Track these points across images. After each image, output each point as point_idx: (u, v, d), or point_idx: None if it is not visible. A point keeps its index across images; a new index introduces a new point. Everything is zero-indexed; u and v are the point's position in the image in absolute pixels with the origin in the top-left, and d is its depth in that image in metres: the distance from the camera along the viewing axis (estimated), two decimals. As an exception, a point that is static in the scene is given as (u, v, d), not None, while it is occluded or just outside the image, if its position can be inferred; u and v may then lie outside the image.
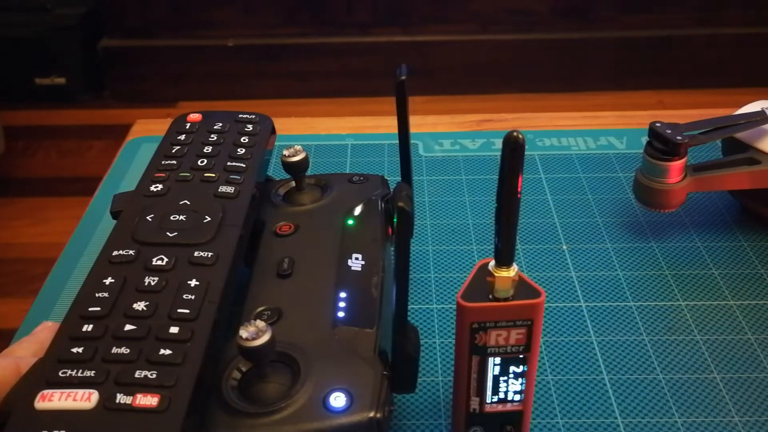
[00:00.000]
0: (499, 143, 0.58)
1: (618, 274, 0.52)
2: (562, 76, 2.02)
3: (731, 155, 0.54)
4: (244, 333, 0.32)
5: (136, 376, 0.30)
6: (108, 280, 0.35)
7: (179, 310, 0.33)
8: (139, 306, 0.33)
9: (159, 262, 0.36)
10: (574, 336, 0.47)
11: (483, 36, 1.99)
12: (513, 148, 0.31)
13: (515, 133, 0.31)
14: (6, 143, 1.80)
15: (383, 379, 0.34)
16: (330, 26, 1.99)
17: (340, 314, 0.37)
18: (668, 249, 0.54)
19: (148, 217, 0.39)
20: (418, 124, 0.69)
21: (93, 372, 0.30)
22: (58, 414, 0.29)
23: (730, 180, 0.53)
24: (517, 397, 0.37)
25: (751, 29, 1.97)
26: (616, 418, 0.42)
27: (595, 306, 0.49)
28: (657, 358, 0.46)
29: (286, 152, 0.46)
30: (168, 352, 0.31)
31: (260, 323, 0.32)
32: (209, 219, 0.39)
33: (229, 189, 0.41)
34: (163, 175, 0.42)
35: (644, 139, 0.54)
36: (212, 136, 0.46)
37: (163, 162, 0.43)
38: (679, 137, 0.51)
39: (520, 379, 0.37)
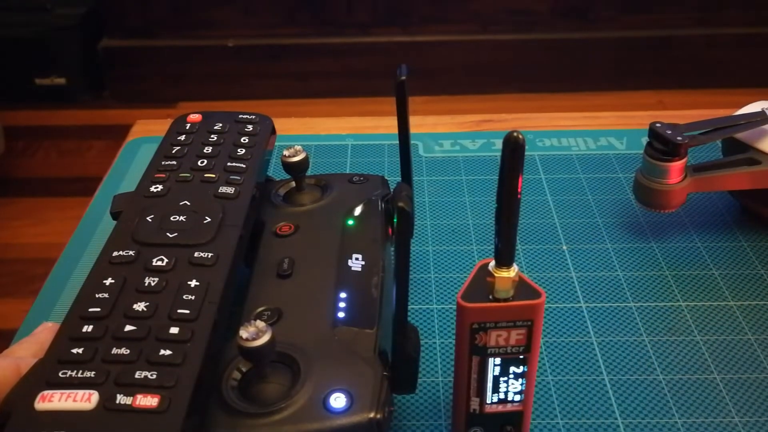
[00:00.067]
0: (499, 144, 0.58)
1: (618, 275, 0.52)
2: (562, 76, 2.02)
3: (731, 155, 0.54)
4: (244, 333, 0.32)
5: (136, 376, 0.30)
6: (108, 281, 0.35)
7: (179, 311, 0.33)
8: (139, 306, 0.33)
9: (159, 263, 0.36)
10: (574, 336, 0.47)
11: (483, 36, 1.99)
12: (513, 148, 0.31)
13: (515, 134, 0.31)
14: (6, 143, 1.80)
15: (383, 380, 0.34)
16: (330, 26, 1.99)
17: (340, 314, 0.37)
18: (668, 249, 0.54)
19: (148, 218, 0.39)
20: (418, 124, 0.69)
21: (93, 372, 0.30)
22: (58, 415, 0.29)
23: (730, 180, 0.53)
24: (518, 398, 0.37)
25: (751, 29, 1.98)
26: (616, 418, 0.42)
27: (595, 306, 0.49)
28: (657, 358, 0.46)
29: (286, 152, 0.46)
30: (168, 352, 0.31)
31: (260, 323, 0.32)
32: (209, 219, 0.39)
33: (229, 189, 0.41)
34: (163, 175, 0.42)
35: (644, 140, 0.54)
36: (212, 136, 0.46)
37: (163, 162, 0.43)
38: (679, 138, 0.51)
39: (520, 380, 0.37)
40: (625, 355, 0.46)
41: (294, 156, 0.45)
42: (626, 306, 0.49)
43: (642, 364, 0.45)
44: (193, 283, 0.35)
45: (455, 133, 0.69)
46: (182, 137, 0.46)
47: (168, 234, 0.38)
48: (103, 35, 2.02)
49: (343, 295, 0.38)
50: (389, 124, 0.69)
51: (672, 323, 0.48)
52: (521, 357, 0.36)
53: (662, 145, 0.51)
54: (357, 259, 0.41)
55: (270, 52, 2.01)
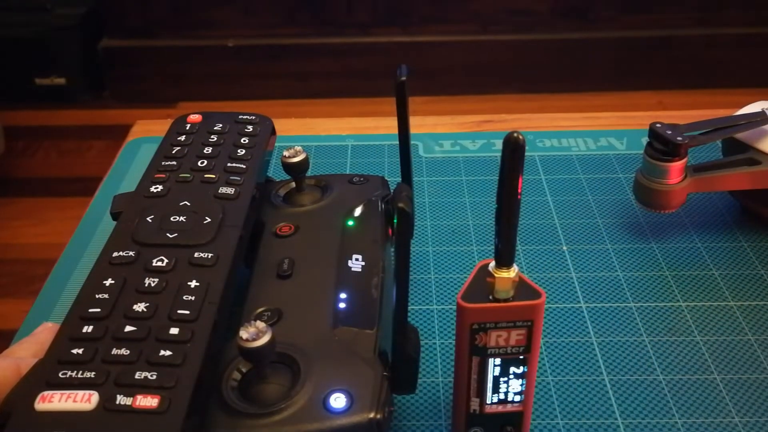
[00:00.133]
0: (499, 144, 0.58)
1: (618, 275, 0.52)
2: (562, 76, 2.02)
3: (731, 156, 0.54)
4: (244, 334, 0.32)
5: (136, 377, 0.30)
6: (108, 281, 0.35)
7: (179, 311, 0.33)
8: (139, 307, 0.33)
9: (159, 263, 0.36)
10: (575, 337, 0.47)
11: (483, 36, 1.99)
12: (513, 148, 0.31)
13: (515, 134, 0.31)
14: (6, 143, 1.80)
15: (383, 380, 0.34)
16: (330, 26, 1.99)
17: (340, 315, 0.37)
18: (668, 250, 0.54)
19: (148, 218, 0.39)
20: (418, 124, 0.69)
21: (93, 373, 0.30)
22: (58, 415, 0.29)
23: (731, 180, 0.53)
24: (518, 398, 0.37)
25: (751, 29, 1.98)
26: (616, 419, 0.42)
27: (596, 307, 0.49)
28: (657, 358, 0.46)
29: (286, 153, 0.46)
30: (168, 353, 0.31)
31: (260, 324, 0.32)
32: (209, 220, 0.39)
33: (229, 190, 0.41)
34: (163, 175, 0.42)
35: (644, 140, 0.54)
36: (212, 137, 0.46)
37: (163, 163, 0.43)
38: (679, 138, 0.51)
39: (520, 380, 0.37)
40: (625, 356, 0.46)
41: (294, 156, 0.45)
42: (626, 306, 0.49)
43: (642, 364, 0.45)
44: (193, 283, 0.35)
45: (455, 133, 0.69)
46: (182, 137, 0.46)
47: (168, 234, 0.38)
48: (103, 35, 2.02)
49: (343, 295, 0.38)
50: (389, 125, 0.69)
51: (672, 323, 0.48)
52: (521, 357, 0.36)
53: (662, 145, 0.51)
54: (357, 259, 0.41)
55: (270, 52, 2.01)
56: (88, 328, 0.32)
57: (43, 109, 2.02)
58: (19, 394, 0.30)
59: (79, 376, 0.30)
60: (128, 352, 0.31)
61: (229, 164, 0.43)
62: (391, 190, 0.47)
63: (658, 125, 0.52)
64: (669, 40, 1.99)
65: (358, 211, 0.45)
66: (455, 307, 0.35)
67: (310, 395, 0.33)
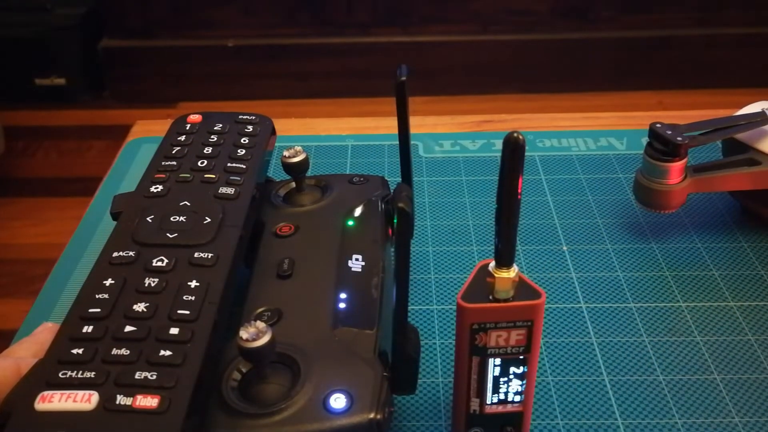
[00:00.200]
0: (499, 144, 0.58)
1: (618, 275, 0.52)
2: (562, 76, 2.02)
3: (731, 156, 0.54)
4: (244, 334, 0.32)
5: (136, 377, 0.30)
6: (108, 281, 0.35)
7: (179, 311, 0.33)
8: (139, 307, 0.33)
9: (159, 263, 0.36)
10: (575, 337, 0.47)
11: (483, 36, 1.99)
12: (513, 148, 0.31)
13: (515, 134, 0.31)
14: (6, 143, 1.80)
15: (383, 380, 0.34)
16: (330, 26, 1.99)
17: (340, 315, 0.37)
18: (668, 250, 0.54)
19: (148, 218, 0.39)
20: (418, 124, 0.69)
21: (93, 373, 0.30)
22: (58, 415, 0.29)
23: (731, 181, 0.53)
24: (518, 398, 0.37)
25: (751, 29, 1.98)
26: (616, 419, 0.42)
27: (596, 307, 0.49)
28: (657, 359, 0.46)
29: (286, 153, 0.46)
30: (168, 353, 0.31)
31: (260, 324, 0.32)
32: (209, 220, 0.39)
33: (229, 190, 0.41)
34: (164, 176, 0.42)
35: (644, 140, 0.54)
36: (212, 137, 0.46)
37: (163, 163, 0.43)
38: (679, 138, 0.51)
39: (520, 380, 0.37)
40: (625, 356, 0.46)
41: (294, 156, 0.45)
42: (626, 306, 0.49)
43: (642, 364, 0.45)
44: (193, 283, 0.35)
45: (455, 133, 0.69)
46: (182, 137, 0.46)
47: (168, 234, 0.38)
48: (103, 35, 2.02)
49: (343, 295, 0.38)
50: (389, 125, 0.69)
51: (672, 324, 0.48)
52: (521, 357, 0.36)
53: (662, 145, 0.51)
54: (357, 259, 0.41)
55: (270, 52, 2.01)
56: (88, 328, 0.32)
57: (43, 109, 2.02)
58: (19, 394, 0.30)
59: (79, 376, 0.30)
60: (128, 352, 0.31)
61: (229, 164, 0.43)
62: (391, 190, 0.47)
63: (658, 125, 0.52)
64: (669, 40, 1.99)
65: (358, 211, 0.45)
66: (455, 307, 0.35)
67: (310, 395, 0.33)
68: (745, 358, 0.46)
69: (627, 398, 0.43)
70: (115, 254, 0.36)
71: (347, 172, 0.57)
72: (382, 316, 0.38)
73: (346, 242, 0.42)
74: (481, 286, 0.35)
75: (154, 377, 0.30)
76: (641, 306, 0.49)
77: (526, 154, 0.32)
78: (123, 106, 2.03)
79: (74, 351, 0.31)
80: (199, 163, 0.43)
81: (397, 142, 0.45)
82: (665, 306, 0.49)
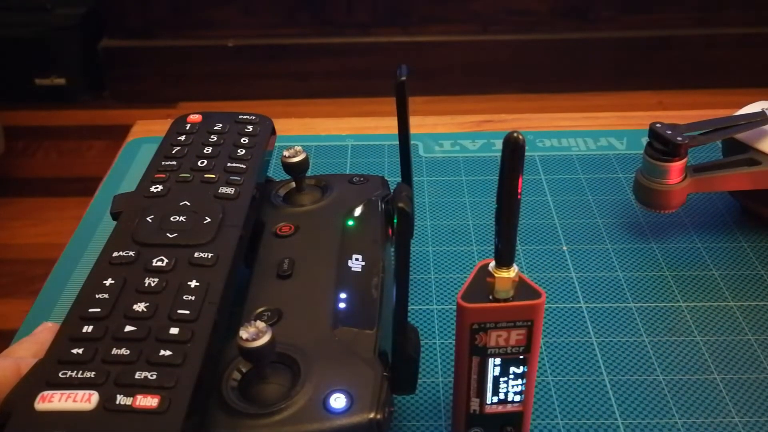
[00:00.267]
0: (499, 144, 0.58)
1: (618, 275, 0.52)
2: (562, 76, 2.02)
3: (731, 156, 0.54)
4: (244, 334, 0.32)
5: (136, 377, 0.30)
6: (108, 281, 0.35)
7: (179, 311, 0.33)
8: (139, 307, 0.33)
9: (159, 263, 0.36)
10: (575, 337, 0.47)
11: (483, 36, 1.99)
12: (513, 148, 0.31)
13: (515, 134, 0.31)
14: (6, 143, 1.80)
15: (383, 380, 0.34)
16: (330, 26, 1.99)
17: (340, 315, 0.37)
18: (668, 250, 0.54)
19: (148, 218, 0.39)
20: (418, 124, 0.69)
21: (93, 373, 0.30)
22: (58, 415, 0.29)
23: (731, 181, 0.53)
24: (518, 398, 0.37)
25: (751, 29, 1.98)
26: (616, 419, 0.42)
27: (596, 307, 0.49)
28: (657, 359, 0.46)
29: (286, 153, 0.46)
30: (168, 353, 0.31)
31: (260, 324, 0.32)
32: (209, 220, 0.39)
33: (229, 190, 0.41)
34: (164, 175, 0.42)
35: (644, 140, 0.54)
36: (212, 137, 0.46)
37: (163, 163, 0.43)
38: (679, 138, 0.51)
39: (520, 380, 0.37)
40: (625, 356, 0.46)
41: (294, 156, 0.45)
42: (626, 306, 0.49)
43: (642, 364, 0.45)
44: (193, 283, 0.35)
45: (455, 133, 0.69)
46: (182, 137, 0.46)
47: (168, 234, 0.38)
48: (103, 35, 2.02)
49: (343, 295, 0.38)
50: (389, 125, 0.69)
51: (672, 323, 0.48)
52: (521, 357, 0.36)
53: (662, 145, 0.51)
54: (357, 259, 0.41)
55: (270, 52, 2.01)
56: (88, 328, 0.32)
57: (43, 109, 2.02)
58: (19, 394, 0.30)
59: (79, 376, 0.30)
60: (128, 352, 0.31)
61: (229, 164, 0.43)
62: (391, 190, 0.47)
63: (658, 125, 0.52)
64: (669, 40, 1.99)
65: (358, 211, 0.45)
66: (455, 307, 0.35)
67: (310, 395, 0.33)
68: (745, 358, 0.46)
69: (627, 398, 0.43)
70: (115, 254, 0.36)
71: (347, 172, 0.57)
72: (382, 316, 0.38)
73: (346, 242, 0.42)
74: (481, 286, 0.35)
75: (154, 377, 0.30)
76: (641, 306, 0.49)
77: (526, 154, 0.32)
78: (123, 106, 2.03)
79: (74, 351, 0.31)
80: (199, 163, 0.43)
81: (397, 142, 0.45)
82: (665, 306, 0.49)
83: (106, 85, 2.05)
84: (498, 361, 0.36)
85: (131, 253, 0.36)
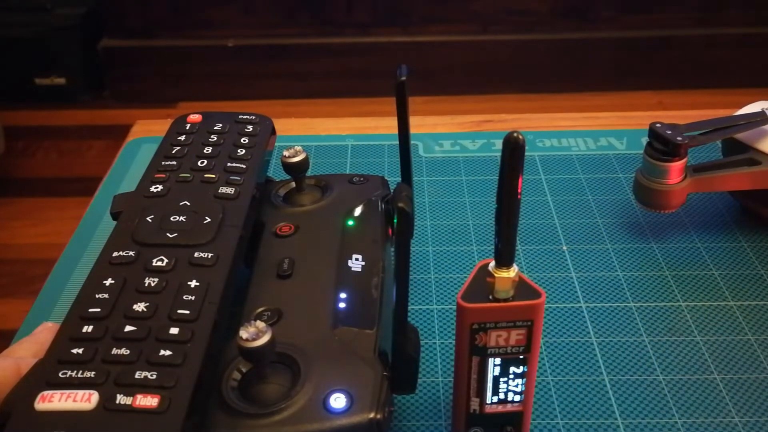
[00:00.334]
0: (499, 144, 0.58)
1: (618, 275, 0.52)
2: (562, 76, 2.02)
3: (731, 156, 0.54)
4: (244, 334, 0.32)
5: (136, 376, 0.30)
6: (108, 281, 0.35)
7: (179, 311, 0.33)
8: (139, 307, 0.33)
9: (159, 263, 0.36)
10: (574, 337, 0.47)
11: (483, 36, 1.99)
12: (513, 148, 0.31)
13: (515, 134, 0.31)
14: (6, 143, 1.80)
15: (383, 380, 0.34)
16: (330, 26, 1.99)
17: (340, 315, 0.37)
18: (668, 249, 0.54)
19: (148, 218, 0.39)
20: (418, 124, 0.69)
21: (93, 373, 0.30)
22: (58, 415, 0.29)
23: (731, 181, 0.53)
24: (517, 398, 0.37)
25: (751, 29, 1.98)
26: (616, 419, 0.42)
27: (595, 307, 0.49)
28: (657, 358, 0.46)
29: (286, 153, 0.46)
30: (168, 352, 0.31)
31: (260, 324, 0.32)
32: (209, 220, 0.39)
33: (229, 190, 0.41)
34: (164, 175, 0.42)
35: (644, 140, 0.54)
36: (212, 137, 0.46)
37: (163, 163, 0.43)
38: (679, 138, 0.51)
39: (520, 380, 0.37)
40: (625, 355, 0.46)
41: (294, 156, 0.45)
42: (626, 306, 0.49)
43: (642, 364, 0.45)
44: (193, 283, 0.35)
45: (455, 133, 0.69)
46: (182, 137, 0.46)
47: (168, 234, 0.38)
48: (103, 35, 2.02)
49: (343, 295, 0.38)
50: (389, 125, 0.69)
51: (672, 323, 0.48)
52: (521, 357, 0.36)
53: (662, 145, 0.51)
54: (357, 259, 0.41)
55: (270, 52, 2.01)
56: (88, 328, 0.32)
57: (43, 109, 2.02)
58: (19, 394, 0.30)
59: (79, 375, 0.30)
60: (128, 351, 0.31)
61: (229, 164, 0.43)
62: (391, 190, 0.47)
63: (658, 125, 0.52)
64: (669, 40, 1.99)
65: (358, 211, 0.45)
66: (455, 307, 0.35)
67: (310, 395, 0.33)
68: (745, 358, 0.46)
69: (627, 398, 0.43)
70: (115, 254, 0.36)
71: (347, 172, 0.57)
72: (382, 316, 0.38)
73: (346, 242, 0.42)
74: (481, 286, 0.35)
75: (154, 377, 0.30)
76: (641, 306, 0.49)
77: (526, 154, 0.32)
78: (123, 106, 2.03)
79: (74, 351, 0.31)
80: (199, 163, 0.43)
81: (397, 142, 0.45)
82: (665, 306, 0.49)
83: (106, 85, 2.05)
84: (498, 361, 0.36)
85: (131, 253, 0.36)
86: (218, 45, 2.00)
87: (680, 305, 0.49)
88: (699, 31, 1.98)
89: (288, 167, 0.46)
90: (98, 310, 0.33)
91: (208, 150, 0.44)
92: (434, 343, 0.47)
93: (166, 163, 0.43)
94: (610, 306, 0.49)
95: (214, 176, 0.42)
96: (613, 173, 0.63)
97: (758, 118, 0.53)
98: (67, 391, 0.29)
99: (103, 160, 1.63)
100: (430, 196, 0.60)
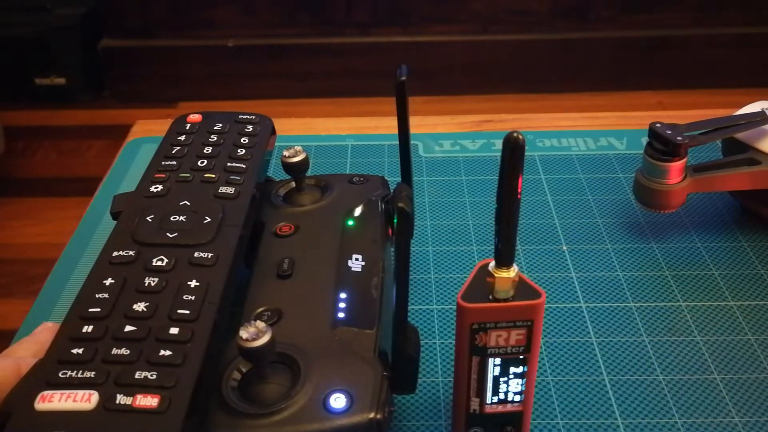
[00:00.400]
0: (499, 144, 0.58)
1: (618, 275, 0.52)
2: (562, 76, 2.02)
3: (731, 156, 0.54)
4: (244, 334, 0.32)
5: (136, 376, 0.30)
6: (108, 281, 0.35)
7: (179, 311, 0.33)
8: (139, 307, 0.33)
9: (159, 263, 0.36)
10: (574, 337, 0.47)
11: (483, 36, 1.99)
12: (513, 148, 0.31)
13: (515, 134, 0.31)
14: (6, 143, 1.80)
15: (383, 380, 0.34)
16: (330, 26, 1.99)
17: (340, 315, 0.37)
18: (668, 249, 0.54)
19: (148, 218, 0.39)
20: (418, 124, 0.69)
21: (93, 373, 0.30)
22: (58, 415, 0.29)
23: (731, 180, 0.53)
24: (517, 398, 0.37)
25: (751, 29, 1.98)
26: (616, 419, 0.42)
27: (595, 307, 0.49)
28: (657, 358, 0.46)
29: (286, 153, 0.46)
30: (168, 352, 0.31)
31: (260, 324, 0.32)
32: (209, 219, 0.39)
33: (229, 189, 0.41)
34: (164, 175, 0.42)
35: (644, 140, 0.54)
36: (212, 136, 0.46)
37: (163, 162, 0.43)
38: (679, 138, 0.51)
39: (520, 380, 0.37)
40: (625, 355, 0.46)
41: (294, 156, 0.45)
42: (626, 306, 0.49)
43: (642, 364, 0.45)
44: (193, 283, 0.35)
45: (455, 133, 0.69)
46: (182, 137, 0.46)
47: (168, 234, 0.38)
48: (103, 35, 2.02)
49: (343, 295, 0.38)
50: (389, 124, 0.69)
51: (672, 323, 0.48)
52: (521, 357, 0.36)
53: (662, 145, 0.51)
54: (357, 259, 0.41)
55: (270, 52, 2.01)
56: (88, 328, 0.32)
57: (43, 109, 2.02)
58: (19, 394, 0.30)
59: (79, 375, 0.30)
60: (128, 351, 0.31)
61: (229, 164, 0.43)
62: (391, 190, 0.47)
63: (658, 125, 0.52)
64: (669, 40, 1.99)
65: (358, 211, 0.45)
66: (455, 307, 0.35)
67: (310, 395, 0.33)
68: (745, 358, 0.46)
69: (627, 398, 0.43)
70: (115, 254, 0.36)
71: (347, 172, 0.57)
72: (382, 316, 0.38)
73: (346, 242, 0.42)
74: (481, 286, 0.35)
75: (154, 377, 0.30)
76: (641, 306, 0.49)
77: (526, 154, 0.32)
78: (123, 106, 2.03)
79: (74, 351, 0.31)
80: (199, 163, 0.43)
81: (397, 142, 0.45)
82: (665, 306, 0.49)
83: (106, 84, 2.05)
84: (498, 361, 0.36)
85: (131, 253, 0.36)
86: (218, 45, 2.00)
87: (680, 305, 0.49)
88: (699, 31, 1.98)
89: (288, 167, 0.46)
90: (98, 310, 0.33)
91: (208, 150, 0.44)
92: (434, 343, 0.47)
93: (166, 163, 0.43)
94: (610, 306, 0.49)
95: (214, 176, 0.42)
96: (613, 173, 0.63)
97: (758, 118, 0.53)
98: (67, 391, 0.29)
99: (103, 160, 1.63)
100: (430, 196, 0.60)
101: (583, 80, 2.02)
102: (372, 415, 0.32)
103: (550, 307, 0.49)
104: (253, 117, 0.48)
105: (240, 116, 0.48)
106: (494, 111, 0.79)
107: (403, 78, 0.41)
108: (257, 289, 0.39)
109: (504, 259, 0.34)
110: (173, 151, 0.44)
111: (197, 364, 0.31)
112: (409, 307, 0.41)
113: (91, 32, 2.00)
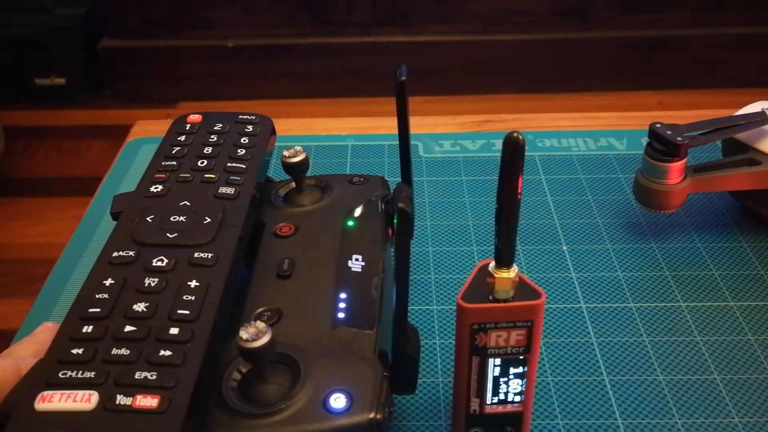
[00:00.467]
0: (499, 144, 0.58)
1: (618, 275, 0.52)
2: (562, 76, 2.02)
3: (731, 156, 0.54)
4: (244, 334, 0.32)
5: (136, 377, 0.30)
6: (108, 281, 0.35)
7: (179, 311, 0.33)
8: (139, 307, 0.33)
9: (159, 263, 0.36)
10: (574, 337, 0.47)
11: (483, 36, 1.99)
12: (513, 148, 0.31)
13: (515, 134, 0.31)
14: (6, 143, 1.80)
15: (383, 380, 0.34)
16: (330, 26, 1.99)
17: (340, 315, 0.37)
18: (668, 250, 0.54)
19: (148, 218, 0.39)
20: (418, 124, 0.69)
21: (93, 373, 0.30)
22: (58, 415, 0.29)
23: (731, 181, 0.53)
24: (518, 398, 0.37)
25: (751, 29, 1.98)
26: (616, 419, 0.42)
27: (595, 307, 0.49)
28: (657, 359, 0.46)
29: (286, 153, 0.46)
30: (168, 353, 0.31)
31: (260, 324, 0.32)
32: (209, 220, 0.39)
33: (229, 190, 0.41)
34: (163, 175, 0.42)
35: (644, 140, 0.54)
36: (212, 137, 0.46)
37: (163, 163, 0.43)
38: (679, 138, 0.51)
39: (520, 380, 0.37)
40: (625, 356, 0.46)
41: (294, 156, 0.45)
42: (626, 306, 0.49)
43: (642, 364, 0.45)
44: (193, 283, 0.35)
45: (455, 133, 0.69)
46: (182, 137, 0.46)
47: (168, 234, 0.38)
48: (103, 35, 2.02)
49: (343, 295, 0.38)
50: (389, 125, 0.69)
51: (672, 323, 0.48)
52: (521, 357, 0.36)
53: (662, 145, 0.51)
54: (357, 259, 0.41)
55: (270, 52, 2.01)
56: (88, 328, 0.32)
57: (43, 109, 2.02)
58: (19, 394, 0.30)
59: (79, 376, 0.30)
60: (128, 352, 0.31)
61: (229, 164, 0.43)
62: (391, 190, 0.47)
63: (658, 125, 0.52)
64: (669, 40, 1.99)
65: (358, 212, 0.45)
66: (455, 307, 0.35)
67: (310, 395, 0.33)
68: (745, 358, 0.46)
69: (627, 398, 0.43)
70: (115, 254, 0.36)
71: (347, 172, 0.57)
72: (382, 316, 0.38)
73: (346, 242, 0.42)
74: (481, 286, 0.35)
75: (154, 377, 0.30)
76: (641, 306, 0.49)
77: (526, 154, 0.32)
78: (123, 106, 2.03)
79: (74, 351, 0.31)
80: (199, 163, 0.43)
81: (397, 142, 0.45)
82: (665, 306, 0.49)
83: (106, 84, 2.05)
84: (498, 361, 0.36)
85: (131, 253, 0.36)
86: (218, 45, 2.00)
87: (680, 305, 0.49)
88: (699, 31, 1.98)
89: (288, 167, 0.46)
90: (98, 310, 0.33)
91: (208, 150, 0.44)
92: (434, 343, 0.47)
93: (166, 163, 0.43)
94: (610, 306, 0.49)
95: (214, 176, 0.42)
96: (613, 173, 0.63)
97: (758, 118, 0.53)
98: (67, 392, 0.29)
99: (103, 160, 1.63)
100: (430, 196, 0.60)
101: (583, 80, 2.02)
102: (372, 416, 0.32)
103: (550, 307, 0.49)
104: (253, 117, 0.48)
105: (240, 116, 0.48)
106: (494, 111, 0.79)
107: (403, 78, 0.41)
108: (257, 290, 0.39)
109: (504, 259, 0.34)
110: (173, 152, 0.44)
111: (197, 364, 0.31)
112: (409, 308, 0.41)
113: (91, 32, 2.00)
